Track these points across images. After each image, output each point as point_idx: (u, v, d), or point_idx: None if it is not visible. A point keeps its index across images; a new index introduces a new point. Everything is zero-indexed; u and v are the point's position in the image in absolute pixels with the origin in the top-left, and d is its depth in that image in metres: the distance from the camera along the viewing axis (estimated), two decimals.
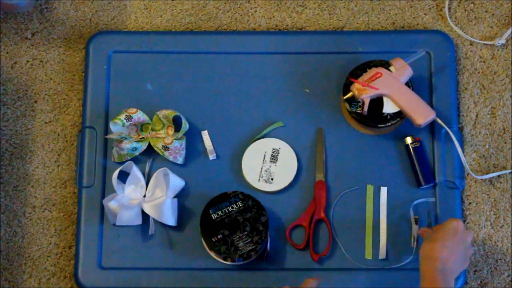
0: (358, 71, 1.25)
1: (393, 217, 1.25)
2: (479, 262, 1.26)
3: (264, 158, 1.26)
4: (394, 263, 1.23)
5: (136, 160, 1.26)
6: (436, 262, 1.08)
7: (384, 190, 1.25)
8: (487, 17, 1.35)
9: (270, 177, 1.25)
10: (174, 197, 1.24)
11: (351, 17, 1.36)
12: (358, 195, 1.26)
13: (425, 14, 1.35)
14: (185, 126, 1.26)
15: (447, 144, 1.27)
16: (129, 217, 1.22)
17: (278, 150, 1.27)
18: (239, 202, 1.19)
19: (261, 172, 1.25)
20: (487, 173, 1.28)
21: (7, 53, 1.35)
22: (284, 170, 1.26)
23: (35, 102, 1.33)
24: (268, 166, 1.26)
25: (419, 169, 1.25)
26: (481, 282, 1.25)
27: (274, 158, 1.26)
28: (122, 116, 1.24)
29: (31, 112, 1.32)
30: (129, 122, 1.25)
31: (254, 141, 1.27)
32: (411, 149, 1.26)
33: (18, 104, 1.33)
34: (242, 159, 1.26)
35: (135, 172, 1.25)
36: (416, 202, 1.25)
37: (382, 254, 1.23)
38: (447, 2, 1.35)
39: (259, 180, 1.25)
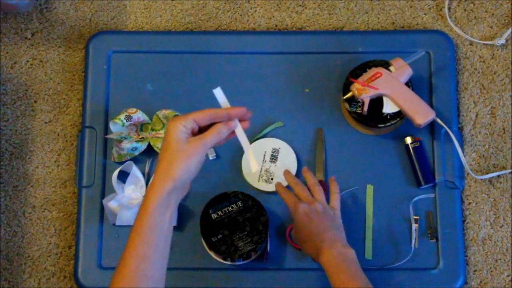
0: (358, 71, 1.25)
1: (393, 216, 1.25)
2: (479, 262, 1.26)
3: (264, 158, 1.26)
4: (394, 263, 1.23)
5: (136, 160, 1.26)
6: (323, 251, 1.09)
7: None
8: (487, 17, 1.35)
9: (270, 177, 1.25)
10: None
11: (351, 17, 1.36)
12: (358, 195, 1.26)
13: (425, 14, 1.36)
14: None
15: (447, 144, 1.27)
16: (129, 217, 1.22)
17: (278, 150, 1.27)
18: (239, 202, 1.19)
19: (261, 172, 1.25)
20: (487, 173, 1.28)
21: (7, 53, 1.35)
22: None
23: (35, 102, 1.33)
24: (268, 166, 1.26)
25: (419, 169, 1.25)
26: (481, 282, 1.25)
27: (274, 158, 1.26)
28: (122, 116, 1.24)
29: (31, 112, 1.32)
30: (129, 122, 1.25)
31: (254, 141, 1.27)
32: (411, 149, 1.26)
33: (18, 104, 1.33)
34: (242, 159, 1.26)
35: (135, 172, 1.25)
36: (415, 199, 1.25)
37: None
38: (447, 2, 1.35)
39: (259, 180, 1.25)
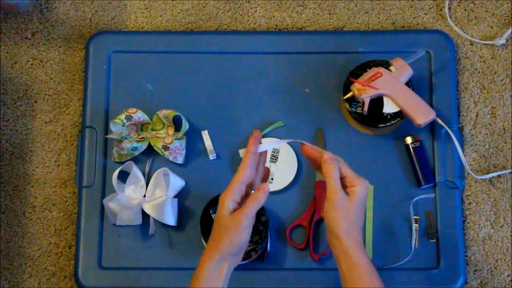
0: (358, 71, 1.25)
1: (393, 217, 1.25)
2: (479, 262, 1.26)
3: None
4: (394, 263, 1.23)
5: (136, 160, 1.26)
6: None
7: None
8: (487, 17, 1.35)
9: (270, 177, 1.25)
10: (174, 197, 1.24)
11: (351, 17, 1.36)
12: None
13: (425, 14, 1.35)
14: (185, 126, 1.26)
15: (447, 144, 1.27)
16: (129, 217, 1.22)
17: (278, 150, 1.27)
18: None
19: None
20: (487, 173, 1.28)
21: (7, 53, 1.35)
22: (284, 170, 1.26)
23: (35, 102, 1.33)
24: (268, 166, 1.26)
25: (419, 169, 1.25)
26: (481, 282, 1.25)
27: (274, 158, 1.26)
28: (122, 116, 1.24)
29: (31, 112, 1.32)
30: (129, 122, 1.25)
31: None
32: (411, 149, 1.26)
33: (18, 104, 1.33)
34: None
35: (135, 172, 1.25)
36: (416, 198, 1.25)
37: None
38: (447, 2, 1.35)
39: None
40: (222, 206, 1.02)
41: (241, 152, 1.04)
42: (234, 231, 1.00)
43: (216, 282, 1.01)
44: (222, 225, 1.01)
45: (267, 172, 1.09)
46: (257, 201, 1.01)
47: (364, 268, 1.02)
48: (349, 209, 1.02)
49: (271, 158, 1.26)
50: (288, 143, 1.24)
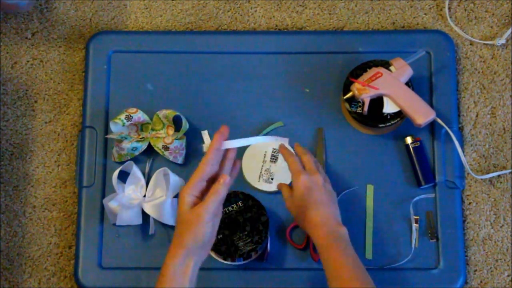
0: (358, 71, 1.25)
1: (393, 216, 1.25)
2: (479, 262, 1.26)
3: (264, 158, 1.26)
4: (394, 263, 1.23)
5: (136, 160, 1.26)
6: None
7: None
8: (487, 17, 1.35)
9: (270, 177, 1.25)
10: (174, 197, 1.24)
11: (351, 17, 1.36)
12: (358, 195, 1.26)
13: (425, 14, 1.36)
14: (185, 126, 1.26)
15: (447, 144, 1.27)
16: (129, 217, 1.22)
17: (278, 150, 1.27)
18: (239, 202, 1.19)
19: (261, 171, 1.25)
20: (487, 173, 1.28)
21: (7, 53, 1.35)
22: (284, 170, 1.26)
23: (35, 102, 1.33)
24: (268, 166, 1.26)
25: (419, 169, 1.25)
26: (481, 282, 1.25)
27: (274, 158, 1.26)
28: (122, 116, 1.24)
29: (31, 112, 1.32)
30: (129, 122, 1.25)
31: None
32: (411, 149, 1.26)
33: (18, 104, 1.33)
34: (242, 159, 1.26)
35: (135, 172, 1.25)
36: (416, 198, 1.25)
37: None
38: (447, 2, 1.35)
39: (259, 180, 1.25)
40: (181, 202, 1.02)
41: (204, 146, 1.05)
42: (196, 226, 1.00)
43: (183, 279, 1.00)
44: (183, 220, 1.01)
45: (237, 166, 1.08)
46: (217, 193, 1.01)
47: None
48: (294, 200, 1.13)
49: (271, 158, 1.26)
50: (268, 142, 1.21)
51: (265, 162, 1.26)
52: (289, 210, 1.15)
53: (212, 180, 1.04)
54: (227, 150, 1.05)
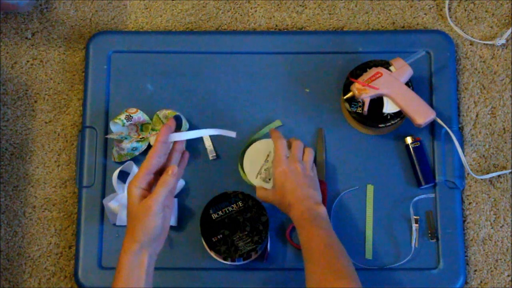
0: (358, 71, 1.25)
1: (393, 216, 1.25)
2: (479, 262, 1.26)
3: (267, 157, 1.25)
4: (394, 263, 1.23)
5: (136, 160, 1.26)
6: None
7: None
8: (487, 17, 1.35)
9: (268, 177, 1.25)
10: (174, 197, 1.24)
11: (351, 17, 1.36)
12: (358, 195, 1.26)
13: (425, 14, 1.36)
14: (185, 126, 1.26)
15: (447, 144, 1.27)
16: None
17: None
18: (239, 202, 1.19)
19: (260, 169, 1.25)
20: (487, 173, 1.28)
21: (7, 53, 1.35)
22: None
23: (35, 102, 1.33)
24: (269, 166, 1.25)
25: (419, 169, 1.25)
26: (481, 282, 1.25)
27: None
28: (122, 116, 1.24)
29: (31, 112, 1.32)
30: (129, 122, 1.25)
31: (254, 140, 1.27)
32: (411, 149, 1.26)
33: (18, 104, 1.33)
34: (247, 152, 1.25)
35: (135, 172, 1.25)
36: (416, 198, 1.25)
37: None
38: (447, 2, 1.35)
39: (256, 176, 1.25)
40: (130, 195, 1.02)
41: (151, 139, 1.06)
42: (146, 218, 1.00)
43: (139, 272, 1.00)
44: (133, 214, 1.01)
45: (185, 158, 1.10)
46: (166, 184, 1.01)
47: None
48: (275, 190, 1.16)
49: (271, 158, 1.26)
50: (226, 136, 1.19)
51: (267, 161, 1.26)
52: (272, 202, 1.17)
53: (160, 173, 1.04)
54: (174, 142, 1.07)
